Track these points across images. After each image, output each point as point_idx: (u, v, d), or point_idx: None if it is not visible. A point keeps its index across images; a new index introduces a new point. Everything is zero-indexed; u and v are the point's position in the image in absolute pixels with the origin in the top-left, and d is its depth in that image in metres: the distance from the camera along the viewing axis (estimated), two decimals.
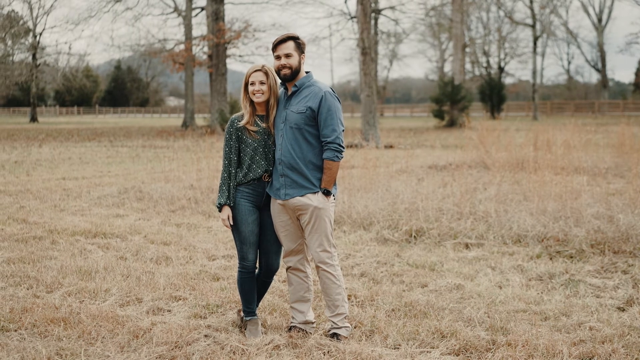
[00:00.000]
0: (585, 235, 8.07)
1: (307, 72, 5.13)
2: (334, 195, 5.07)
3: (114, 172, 16.60)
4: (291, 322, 5.25)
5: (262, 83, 5.01)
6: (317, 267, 5.08)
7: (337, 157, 4.95)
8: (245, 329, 5.17)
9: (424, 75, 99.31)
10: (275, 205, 5.07)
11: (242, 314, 5.33)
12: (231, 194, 5.06)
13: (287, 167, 4.97)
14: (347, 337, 5.04)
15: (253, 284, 5.17)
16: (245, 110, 5.09)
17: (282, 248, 5.22)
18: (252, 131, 5.05)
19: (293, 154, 4.95)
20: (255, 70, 5.04)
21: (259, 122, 5.08)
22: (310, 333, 5.15)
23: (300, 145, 4.96)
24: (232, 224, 5.07)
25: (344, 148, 4.99)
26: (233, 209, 5.07)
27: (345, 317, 5.11)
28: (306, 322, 5.20)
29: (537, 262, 7.40)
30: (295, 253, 5.17)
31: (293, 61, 5.00)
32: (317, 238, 5.02)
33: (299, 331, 5.14)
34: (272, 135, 5.09)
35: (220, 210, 5.09)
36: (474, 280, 6.71)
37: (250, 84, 5.03)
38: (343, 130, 5.00)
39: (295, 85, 5.03)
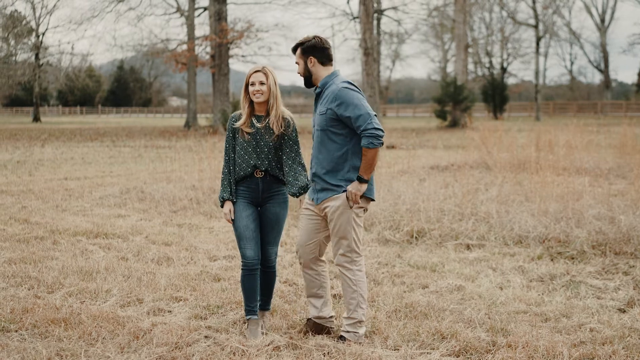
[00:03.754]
0: (587, 236, 8.06)
1: (333, 72, 5.10)
2: (369, 199, 5.00)
3: (116, 172, 16.62)
4: (308, 315, 5.30)
5: (261, 83, 5.09)
6: (338, 268, 5.12)
7: (372, 143, 4.77)
8: (247, 329, 5.19)
9: (426, 75, 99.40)
10: (310, 200, 5.14)
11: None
12: (232, 189, 5.18)
13: (315, 172, 5.02)
14: (351, 342, 4.99)
15: (254, 283, 5.18)
16: (243, 111, 5.19)
17: (297, 241, 5.24)
18: (247, 132, 5.15)
19: (320, 157, 4.98)
20: (256, 71, 5.12)
21: (255, 123, 5.17)
22: (329, 327, 5.17)
23: (327, 146, 4.96)
24: (233, 218, 5.16)
25: (382, 132, 4.80)
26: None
27: (357, 323, 5.03)
28: (319, 317, 5.18)
29: (538, 263, 7.39)
30: (306, 249, 5.15)
31: (300, 68, 5.09)
32: (337, 241, 5.02)
33: (315, 325, 5.16)
34: (265, 134, 5.16)
35: (222, 206, 5.20)
36: (474, 282, 6.71)
37: (250, 85, 5.11)
38: (375, 115, 4.86)
39: (319, 87, 5.07)
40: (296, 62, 5.12)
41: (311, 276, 5.20)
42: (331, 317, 5.24)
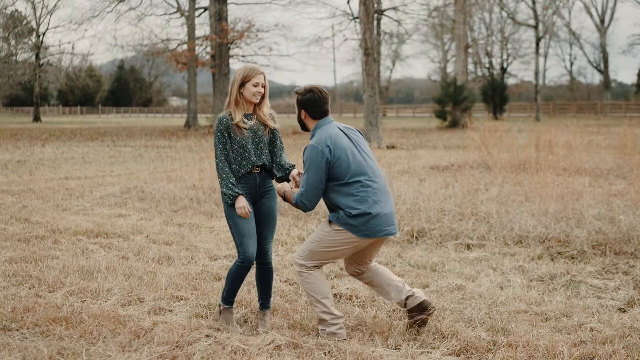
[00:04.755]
0: (587, 236, 8.07)
1: (317, 123, 5.19)
2: (346, 226, 5.03)
3: (116, 172, 16.62)
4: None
5: (263, 86, 5.22)
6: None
7: (297, 205, 5.06)
8: (220, 316, 5.37)
9: (426, 75, 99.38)
10: None
11: (221, 307, 5.42)
12: (238, 186, 5.19)
13: None
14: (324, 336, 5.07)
15: (243, 279, 5.32)
16: (238, 109, 5.21)
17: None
18: (245, 129, 5.20)
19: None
20: (261, 72, 5.21)
21: (246, 120, 5.24)
22: (424, 301, 5.18)
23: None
24: (251, 210, 5.19)
25: (307, 208, 5.02)
26: (230, 205, 5.19)
27: (321, 321, 5.12)
28: (403, 301, 5.25)
29: (539, 263, 7.40)
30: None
31: (296, 114, 5.27)
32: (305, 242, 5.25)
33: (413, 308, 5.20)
34: (258, 130, 5.27)
35: (233, 202, 5.14)
36: (475, 281, 6.71)
37: (254, 85, 5.17)
38: (317, 188, 4.98)
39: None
40: (294, 106, 5.29)
41: (367, 278, 5.32)
42: (409, 294, 5.22)
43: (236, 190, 5.14)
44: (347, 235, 5.01)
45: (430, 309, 5.16)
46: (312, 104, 5.13)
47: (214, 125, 5.26)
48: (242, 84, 5.18)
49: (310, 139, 5.14)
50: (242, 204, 5.14)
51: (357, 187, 4.98)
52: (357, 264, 5.34)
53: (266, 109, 5.31)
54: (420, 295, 5.21)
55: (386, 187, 5.18)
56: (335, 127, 5.13)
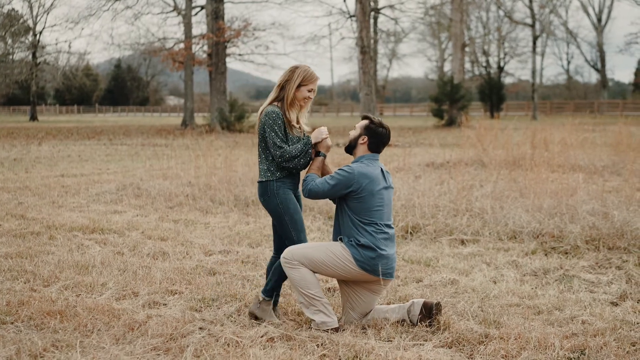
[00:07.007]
0: (580, 231, 8.11)
1: (364, 155, 5.24)
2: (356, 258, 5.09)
3: (112, 170, 16.63)
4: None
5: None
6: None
7: (304, 189, 5.17)
8: (258, 308, 5.35)
9: (423, 74, 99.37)
10: None
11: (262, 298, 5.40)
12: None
13: None
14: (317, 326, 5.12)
15: None
16: (293, 109, 5.19)
17: None
18: (296, 128, 5.23)
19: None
20: (318, 79, 5.22)
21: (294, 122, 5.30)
22: (431, 302, 5.18)
23: None
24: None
25: (305, 187, 5.15)
26: (285, 200, 5.17)
27: (310, 308, 5.18)
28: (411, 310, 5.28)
29: (532, 258, 7.43)
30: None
31: (353, 134, 5.29)
32: (314, 247, 5.16)
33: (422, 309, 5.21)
34: (300, 132, 5.29)
35: (309, 145, 5.13)
36: (468, 276, 6.75)
37: (309, 90, 5.18)
38: (325, 195, 5.13)
39: None
40: (355, 126, 5.28)
41: (365, 318, 5.35)
42: (409, 306, 5.26)
43: (304, 142, 5.12)
44: (349, 259, 5.06)
45: (437, 307, 5.18)
46: (380, 138, 5.18)
47: (266, 116, 5.10)
48: (299, 86, 5.15)
49: (353, 162, 5.19)
50: (320, 130, 5.21)
51: (372, 227, 5.07)
52: (359, 315, 5.33)
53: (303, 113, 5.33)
54: (418, 300, 5.25)
55: (394, 235, 5.25)
56: (379, 167, 5.19)
